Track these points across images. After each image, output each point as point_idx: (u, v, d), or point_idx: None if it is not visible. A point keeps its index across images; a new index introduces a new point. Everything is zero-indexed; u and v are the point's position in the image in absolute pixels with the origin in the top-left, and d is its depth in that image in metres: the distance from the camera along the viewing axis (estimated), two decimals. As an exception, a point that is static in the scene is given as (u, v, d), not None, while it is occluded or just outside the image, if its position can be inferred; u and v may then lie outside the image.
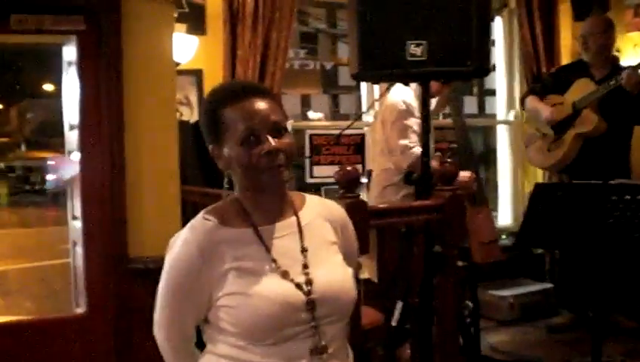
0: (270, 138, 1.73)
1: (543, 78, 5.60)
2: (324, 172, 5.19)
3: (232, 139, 1.73)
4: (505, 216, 6.52)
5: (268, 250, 1.76)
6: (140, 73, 3.28)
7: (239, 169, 1.74)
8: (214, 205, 1.84)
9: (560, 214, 3.21)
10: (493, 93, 6.78)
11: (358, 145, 5.40)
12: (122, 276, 3.18)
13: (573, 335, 5.09)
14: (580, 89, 4.87)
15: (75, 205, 3.60)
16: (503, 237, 5.84)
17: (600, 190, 3.08)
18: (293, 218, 1.83)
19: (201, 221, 1.78)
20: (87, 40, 3.32)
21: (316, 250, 1.81)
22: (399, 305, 2.95)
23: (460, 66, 2.81)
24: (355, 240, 1.98)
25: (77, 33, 3.33)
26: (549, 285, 5.74)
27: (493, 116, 6.83)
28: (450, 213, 2.89)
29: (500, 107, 6.57)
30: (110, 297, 3.20)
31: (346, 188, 2.57)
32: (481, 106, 6.82)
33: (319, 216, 1.88)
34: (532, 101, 5.16)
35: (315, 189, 5.47)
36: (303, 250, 1.79)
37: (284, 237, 1.79)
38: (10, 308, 7.04)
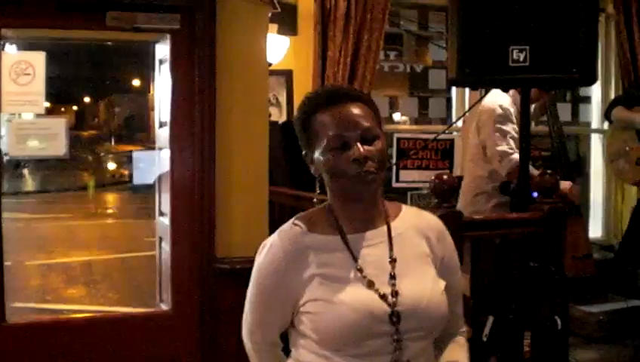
0: (359, 145, 1.68)
1: (626, 90, 5.39)
2: (411, 176, 5.11)
3: (321, 144, 1.71)
4: (597, 228, 6.30)
5: (354, 258, 1.71)
6: (233, 73, 3.27)
7: (327, 175, 1.72)
8: (306, 211, 1.82)
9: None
10: (587, 100, 6.58)
11: (446, 150, 5.29)
12: (209, 276, 3.18)
13: (665, 356, 4.87)
14: None
15: (163, 201, 3.62)
16: (594, 251, 5.63)
17: None
18: (384, 227, 1.77)
19: (290, 226, 1.77)
20: (181, 38, 3.33)
21: (406, 261, 1.74)
22: (490, 319, 2.86)
23: (564, 73, 2.69)
24: (455, 252, 1.89)
25: (171, 32, 3.34)
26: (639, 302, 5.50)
27: (587, 124, 6.62)
28: (550, 228, 2.77)
29: (595, 115, 6.36)
30: (196, 296, 3.20)
31: (442, 198, 2.49)
32: (575, 114, 6.60)
33: (414, 227, 1.81)
34: (622, 111, 4.94)
35: (401, 194, 5.39)
36: (392, 261, 1.73)
37: (372, 246, 1.74)
38: (95, 297, 7.20)
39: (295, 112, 1.83)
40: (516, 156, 3.95)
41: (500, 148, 3.93)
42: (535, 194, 3.14)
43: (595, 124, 6.39)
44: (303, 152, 1.79)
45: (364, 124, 1.70)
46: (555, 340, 3.56)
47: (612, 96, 6.13)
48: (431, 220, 1.87)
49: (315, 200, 1.84)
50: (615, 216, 6.25)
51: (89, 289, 7.53)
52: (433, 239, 1.82)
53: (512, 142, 3.96)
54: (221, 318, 3.13)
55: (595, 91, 6.31)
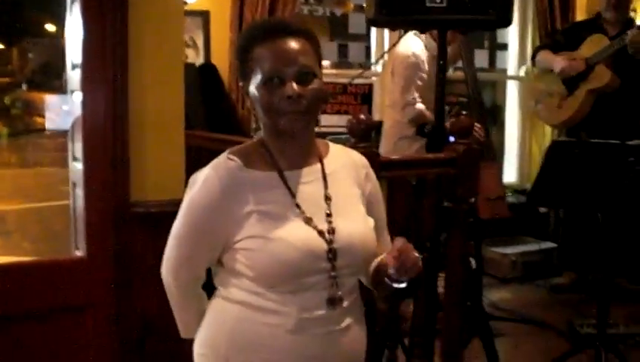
0: (294, 83, 1.66)
1: (554, 35, 5.48)
2: (331, 121, 5.12)
3: (256, 78, 1.68)
4: (511, 173, 6.45)
5: (293, 195, 1.71)
6: (147, 12, 3.15)
7: (261, 110, 1.69)
8: (239, 146, 1.80)
9: (575, 173, 3.14)
10: (504, 47, 6.67)
11: (365, 95, 5.31)
12: (123, 220, 3.10)
13: (575, 296, 5.07)
14: (593, 44, 4.75)
15: (76, 146, 3.51)
16: (509, 194, 5.78)
17: (618, 150, 3.01)
18: (318, 165, 1.78)
19: (225, 160, 1.74)
20: (91, -24, 3.19)
21: (339, 199, 1.76)
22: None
23: (481, 15, 2.70)
24: (378, 185, 1.92)
25: (81, -32, 3.20)
26: (552, 244, 5.71)
27: (504, 71, 6.72)
28: (463, 168, 2.81)
29: (511, 62, 6.45)
30: (111, 241, 3.12)
31: (359, 138, 2.49)
32: (492, 61, 6.70)
33: (343, 165, 1.83)
34: (544, 54, 5.04)
35: (321, 138, 5.39)
36: (327, 198, 1.74)
37: (308, 184, 1.75)
38: (9, 248, 6.97)
39: (236, 41, 1.82)
40: (419, 106, 4.02)
41: (403, 96, 4.01)
42: (452, 139, 3.19)
43: (511, 71, 6.49)
44: (240, 83, 1.77)
45: (302, 60, 1.68)
46: (469, 280, 3.66)
47: (529, 43, 6.24)
48: (357, 158, 1.89)
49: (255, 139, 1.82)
50: (529, 160, 6.41)
51: (3, 240, 7.31)
52: (361, 176, 1.85)
53: (415, 92, 4.03)
54: (136, 263, 3.07)
55: (512, 38, 6.40)
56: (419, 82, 4.00)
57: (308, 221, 1.70)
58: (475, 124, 3.93)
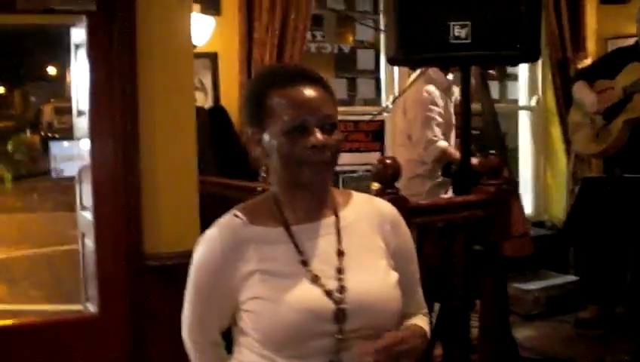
0: (318, 132, 1.55)
1: (592, 62, 5.37)
2: (342, 159, 4.97)
3: (275, 126, 1.56)
4: (526, 205, 6.31)
5: (299, 251, 1.59)
6: (156, 56, 3.07)
7: (279, 160, 1.57)
8: (248, 201, 1.69)
9: (608, 210, 3.03)
10: (514, 77, 6.59)
11: (377, 132, 5.19)
12: (137, 273, 2.99)
13: (600, 331, 4.90)
14: (632, 73, 4.61)
15: (85, 194, 3.42)
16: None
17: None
18: (333, 218, 1.64)
19: (229, 218, 1.63)
20: (98, 20, 3.12)
21: (356, 253, 1.62)
22: (436, 307, 2.77)
23: (508, 50, 2.59)
24: (411, 239, 1.77)
25: (87, 13, 3.12)
26: (573, 278, 5.55)
27: (515, 102, 6.63)
28: (494, 210, 2.69)
29: (523, 92, 6.36)
30: (125, 296, 3.01)
31: (385, 183, 2.37)
32: (502, 91, 6.64)
33: (364, 216, 1.69)
34: (579, 87, 4.88)
35: (333, 177, 5.27)
36: (340, 253, 1.61)
37: (319, 238, 1.61)
38: (16, 296, 6.89)
39: (247, 86, 1.70)
40: (442, 143, 3.92)
41: (424, 135, 3.92)
42: None
43: (522, 102, 6.40)
44: (249, 131, 1.63)
45: (326, 110, 1.58)
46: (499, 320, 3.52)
47: (539, 73, 6.15)
48: (383, 207, 1.75)
49: (259, 189, 1.70)
50: (544, 192, 6.29)
51: (9, 288, 7.21)
52: (386, 227, 1.70)
53: (436, 128, 3.94)
54: (151, 317, 2.95)
55: (523, 68, 6.31)
56: (438, 118, 3.90)
57: (314, 279, 1.57)
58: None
